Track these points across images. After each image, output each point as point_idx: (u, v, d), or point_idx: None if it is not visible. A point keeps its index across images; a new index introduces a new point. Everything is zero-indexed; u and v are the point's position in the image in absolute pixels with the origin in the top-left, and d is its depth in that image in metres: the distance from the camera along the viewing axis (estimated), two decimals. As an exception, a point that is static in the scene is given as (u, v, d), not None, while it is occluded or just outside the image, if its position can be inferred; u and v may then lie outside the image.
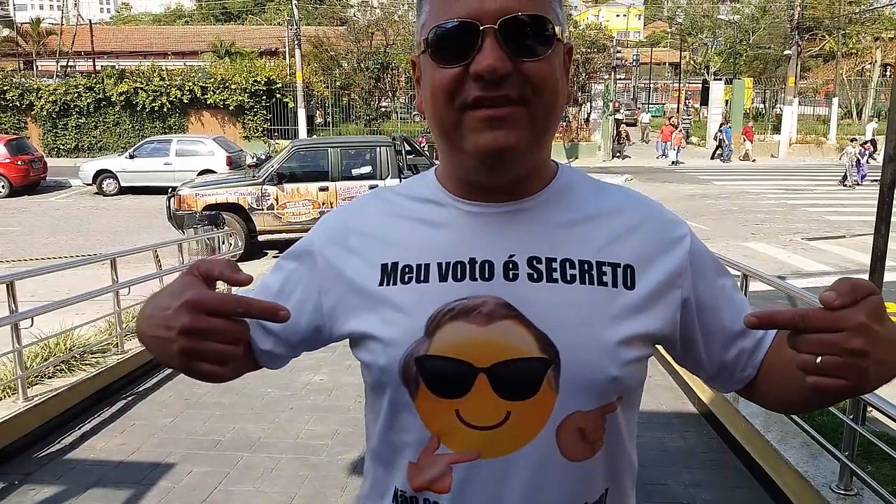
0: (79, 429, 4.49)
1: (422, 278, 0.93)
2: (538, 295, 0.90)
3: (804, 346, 0.74)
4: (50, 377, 4.78)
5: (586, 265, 0.92)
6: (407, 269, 0.94)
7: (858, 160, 18.63)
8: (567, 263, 0.92)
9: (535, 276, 0.91)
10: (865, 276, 4.38)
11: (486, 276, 0.91)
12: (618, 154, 26.42)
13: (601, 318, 0.90)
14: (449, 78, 0.87)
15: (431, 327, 0.90)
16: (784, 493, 3.48)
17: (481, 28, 0.84)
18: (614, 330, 0.90)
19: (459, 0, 0.85)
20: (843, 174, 18.81)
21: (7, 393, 4.44)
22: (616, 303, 0.91)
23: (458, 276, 0.91)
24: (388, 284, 0.94)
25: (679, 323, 0.97)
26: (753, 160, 25.64)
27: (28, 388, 4.44)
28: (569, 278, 0.91)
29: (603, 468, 0.94)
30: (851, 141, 19.77)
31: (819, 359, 0.73)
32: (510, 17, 0.84)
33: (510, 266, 0.91)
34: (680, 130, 25.96)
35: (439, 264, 0.93)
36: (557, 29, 0.88)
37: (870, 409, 3.32)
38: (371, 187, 10.56)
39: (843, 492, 3.16)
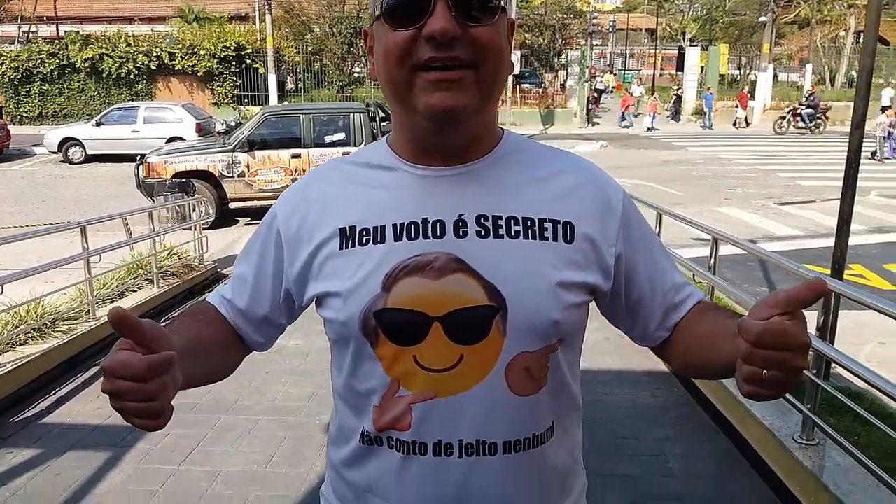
0: (54, 394, 4.51)
1: (378, 239, 1.01)
2: (486, 249, 0.99)
3: (758, 361, 0.78)
4: (21, 344, 4.77)
5: (529, 222, 1.01)
6: (364, 232, 1.02)
7: (890, 132, 17.13)
8: (511, 220, 1.01)
9: (483, 232, 1.00)
10: (832, 240, 4.50)
11: (438, 234, 1.00)
12: (595, 121, 26.44)
13: (543, 268, 1.00)
14: (402, 40, 0.93)
15: (388, 283, 0.99)
16: (749, 444, 3.62)
17: None
18: (554, 279, 1.00)
19: None
20: (873, 149, 16.95)
21: (-22, 360, 4.43)
22: (556, 255, 1.01)
23: (412, 236, 1.00)
24: (347, 247, 1.03)
25: (612, 278, 1.07)
26: (745, 127, 25.73)
27: None
28: (513, 234, 1.00)
29: (548, 403, 1.05)
30: (883, 110, 18.46)
31: (764, 373, 0.79)
32: None
33: (460, 224, 1.00)
34: (655, 97, 26.05)
35: (394, 225, 1.01)
36: (502, 0, 0.96)
37: (834, 365, 3.45)
38: (344, 154, 10.50)
39: (804, 442, 3.30)
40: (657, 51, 44.34)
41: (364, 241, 1.01)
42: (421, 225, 1.00)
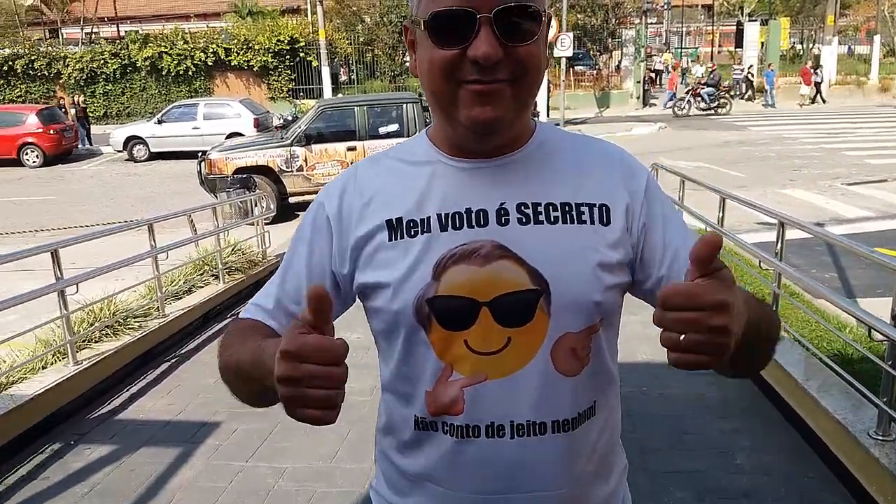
0: (127, 391, 4.68)
1: (425, 230, 1.05)
2: (527, 236, 1.04)
3: (668, 323, 0.76)
4: (97, 341, 4.96)
5: (567, 207, 1.06)
6: (411, 224, 1.06)
7: None
8: (550, 207, 1.06)
9: (524, 219, 1.05)
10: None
11: (482, 222, 1.05)
12: (652, 102, 25.86)
13: (583, 251, 1.05)
14: (447, 58, 0.97)
15: (438, 271, 1.04)
16: (821, 438, 3.52)
17: (478, 16, 0.94)
18: (594, 260, 1.05)
19: None
20: None
21: (58, 357, 4.63)
22: (594, 237, 1.06)
23: (458, 225, 1.05)
24: (396, 239, 1.07)
25: (635, 249, 1.11)
26: (812, 102, 24.65)
27: (77, 352, 4.62)
28: (552, 219, 1.05)
29: (591, 382, 1.10)
30: None
31: (682, 337, 0.76)
32: (504, 8, 0.94)
33: (502, 213, 1.05)
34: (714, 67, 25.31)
35: (439, 216, 1.06)
36: (542, 11, 0.99)
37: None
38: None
39: (881, 437, 3.18)
40: (714, 27, 43.09)
41: (412, 232, 1.05)
42: (465, 214, 1.05)
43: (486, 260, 1.03)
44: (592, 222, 1.06)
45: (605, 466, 1.16)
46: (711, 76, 23.89)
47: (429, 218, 1.05)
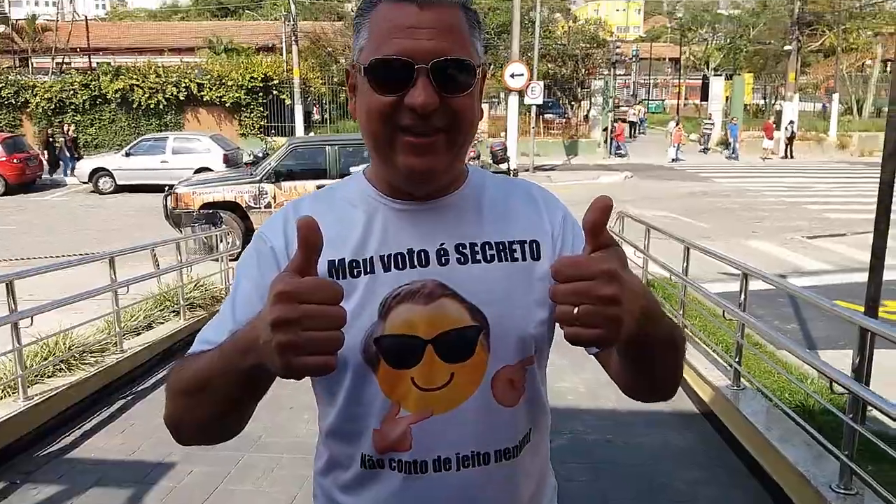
0: (79, 428, 4.52)
1: (368, 270, 1.07)
2: (466, 274, 1.08)
3: (560, 296, 0.78)
4: (50, 376, 4.81)
5: (501, 245, 1.11)
6: (354, 264, 1.08)
7: None
8: (486, 245, 1.11)
9: (462, 259, 1.09)
10: (865, 276, 4.41)
11: (423, 262, 1.08)
12: (620, 152, 26.34)
13: (517, 287, 1.10)
14: (385, 104, 1.00)
15: (383, 311, 1.06)
16: (784, 492, 3.52)
17: (416, 66, 0.98)
18: (528, 296, 1.10)
19: (397, 36, 0.98)
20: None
21: (7, 392, 4.46)
22: (527, 273, 1.11)
23: (400, 266, 1.07)
24: (340, 278, 1.07)
25: None
26: (770, 158, 25.36)
27: (28, 387, 4.46)
28: (488, 258, 1.10)
29: (527, 409, 1.14)
30: None
31: (576, 309, 0.77)
32: (440, 60, 0.98)
33: (442, 253, 1.09)
34: (679, 127, 25.97)
35: (381, 257, 1.08)
36: (477, 66, 1.03)
37: (870, 408, 3.36)
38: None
39: (843, 491, 3.19)
40: (681, 80, 44.35)
41: (356, 273, 1.07)
42: (406, 255, 1.08)
43: (429, 299, 1.06)
44: (524, 258, 1.11)
45: (542, 488, 1.22)
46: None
47: (371, 258, 1.08)
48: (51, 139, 21.71)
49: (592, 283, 0.77)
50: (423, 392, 1.06)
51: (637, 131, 30.28)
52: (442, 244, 1.09)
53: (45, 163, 20.31)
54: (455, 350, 1.06)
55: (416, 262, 1.08)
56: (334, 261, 1.07)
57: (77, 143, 22.59)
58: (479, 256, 1.10)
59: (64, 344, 5.09)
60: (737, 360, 4.51)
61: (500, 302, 1.08)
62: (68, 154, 21.09)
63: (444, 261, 1.08)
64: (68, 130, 21.79)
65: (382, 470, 1.09)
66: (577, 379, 4.94)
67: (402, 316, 1.05)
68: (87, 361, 5.12)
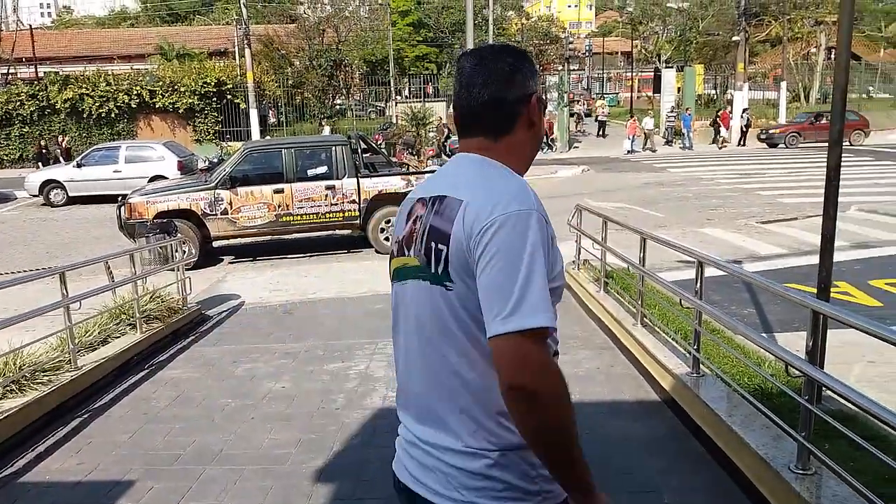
0: (33, 450, 4.37)
1: None
2: None
3: None
4: (0, 398, 4.64)
5: None
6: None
7: None
8: None
9: None
10: (816, 257, 4.49)
11: None
12: (575, 145, 26.57)
13: None
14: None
15: None
16: (745, 475, 3.55)
17: None
18: None
19: None
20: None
21: (-45, 417, 4.30)
22: None
23: None
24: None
25: None
26: (726, 146, 25.89)
27: (-23, 410, 4.30)
28: None
29: None
30: None
31: None
32: None
33: None
34: (634, 119, 26.24)
35: None
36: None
37: (825, 389, 3.41)
38: (328, 188, 10.47)
39: (801, 471, 3.23)
40: (634, 73, 44.87)
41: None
42: None
43: None
44: None
45: None
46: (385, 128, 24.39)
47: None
48: (44, 150, 21.36)
49: None
50: None
51: (604, 131, 30.22)
52: None
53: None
54: None
55: None
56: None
57: (70, 152, 22.26)
58: None
59: (14, 364, 4.92)
60: (695, 347, 4.55)
61: None
62: (63, 163, 20.73)
63: None
64: (62, 141, 21.49)
65: None
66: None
67: None
68: (39, 381, 4.95)
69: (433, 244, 1.41)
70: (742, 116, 26.31)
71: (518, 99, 1.48)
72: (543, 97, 1.46)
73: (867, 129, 25.75)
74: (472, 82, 1.48)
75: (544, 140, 25.46)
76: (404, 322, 1.53)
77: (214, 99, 24.89)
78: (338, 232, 11.75)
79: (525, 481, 1.40)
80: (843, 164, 4.27)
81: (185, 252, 8.56)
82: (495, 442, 1.39)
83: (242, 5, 25.49)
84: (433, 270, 1.41)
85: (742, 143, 26.24)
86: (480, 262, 1.32)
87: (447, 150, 18.76)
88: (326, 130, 24.43)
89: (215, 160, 16.09)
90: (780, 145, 25.26)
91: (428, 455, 1.47)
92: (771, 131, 26.23)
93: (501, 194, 1.36)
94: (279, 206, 10.39)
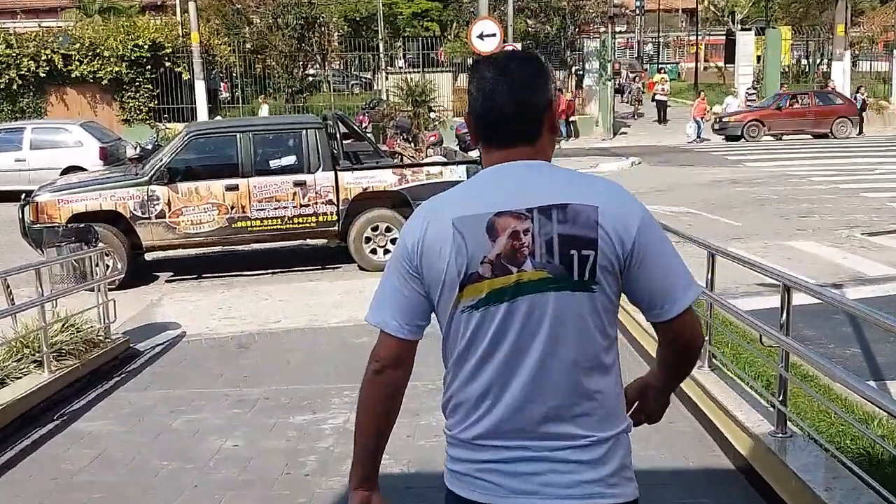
0: None
1: None
2: None
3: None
4: None
5: None
6: None
7: None
8: None
9: None
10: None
11: None
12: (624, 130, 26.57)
13: None
14: None
15: None
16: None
17: None
18: None
19: None
20: None
21: None
22: None
23: None
24: None
25: None
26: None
27: None
28: None
29: None
30: None
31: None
32: None
33: None
34: (703, 97, 26.25)
35: None
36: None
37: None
38: (297, 183, 10.45)
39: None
40: (699, 37, 45.05)
41: None
42: None
43: None
44: None
45: None
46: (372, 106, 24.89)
47: None
48: None
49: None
50: None
51: (664, 115, 30.09)
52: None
53: None
54: None
55: None
56: None
57: None
58: None
59: None
60: (780, 398, 4.54)
61: None
62: None
63: None
64: None
65: None
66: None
67: None
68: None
69: (575, 252, 1.84)
70: (855, 98, 26.04)
71: (546, 104, 1.97)
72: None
73: (854, 115, 25.41)
74: (497, 90, 1.93)
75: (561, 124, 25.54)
76: (515, 342, 1.89)
77: (149, 67, 25.02)
78: (309, 242, 11.79)
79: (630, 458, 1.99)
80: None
81: (108, 267, 8.60)
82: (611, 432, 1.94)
83: (187, -56, 25.72)
84: (576, 277, 1.85)
85: (859, 131, 25.75)
86: (647, 257, 1.87)
87: (455, 135, 18.79)
88: (264, 110, 24.61)
89: (149, 147, 16.16)
90: (742, 139, 25.02)
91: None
92: (725, 119, 25.83)
93: (621, 194, 1.93)
94: (232, 208, 10.40)
